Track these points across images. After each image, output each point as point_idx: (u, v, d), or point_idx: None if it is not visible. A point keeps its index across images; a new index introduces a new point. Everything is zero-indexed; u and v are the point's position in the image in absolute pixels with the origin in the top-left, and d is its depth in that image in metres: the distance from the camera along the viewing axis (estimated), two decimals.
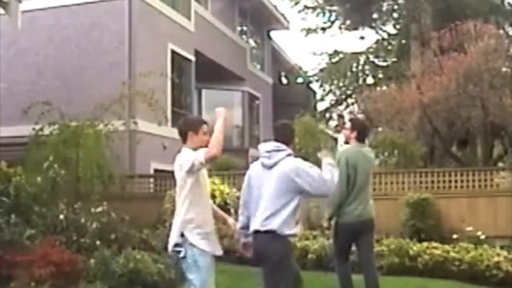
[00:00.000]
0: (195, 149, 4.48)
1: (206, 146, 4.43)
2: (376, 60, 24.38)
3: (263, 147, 4.58)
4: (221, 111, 4.51)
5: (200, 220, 4.49)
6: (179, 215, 4.50)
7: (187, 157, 4.44)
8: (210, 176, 11.01)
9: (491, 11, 20.01)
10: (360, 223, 5.81)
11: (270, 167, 4.46)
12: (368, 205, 5.93)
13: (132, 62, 13.23)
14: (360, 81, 23.96)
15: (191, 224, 4.44)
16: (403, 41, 21.81)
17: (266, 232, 4.36)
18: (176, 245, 4.44)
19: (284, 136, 4.63)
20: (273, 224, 4.34)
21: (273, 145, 4.53)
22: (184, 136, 4.63)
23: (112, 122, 11.02)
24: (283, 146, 4.53)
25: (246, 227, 4.64)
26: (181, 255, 4.42)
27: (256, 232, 4.44)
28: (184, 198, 4.46)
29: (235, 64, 19.23)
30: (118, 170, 11.07)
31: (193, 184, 4.46)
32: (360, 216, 5.80)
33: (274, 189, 4.39)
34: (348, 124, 6.07)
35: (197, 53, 16.03)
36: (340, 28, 23.31)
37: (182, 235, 4.42)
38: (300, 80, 26.68)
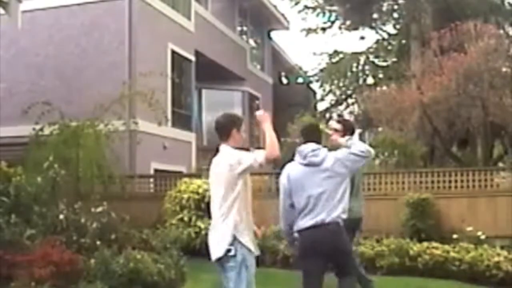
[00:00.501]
0: (235, 147, 4.47)
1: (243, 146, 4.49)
2: (376, 60, 24.41)
3: (307, 147, 4.79)
4: (265, 116, 4.51)
5: (247, 221, 4.49)
6: (227, 217, 4.38)
7: (241, 157, 4.36)
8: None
9: (491, 11, 20.04)
10: (356, 220, 6.02)
11: (319, 164, 4.72)
12: (362, 204, 6.26)
13: (132, 62, 13.23)
14: (360, 81, 23.99)
15: (241, 224, 4.41)
16: (403, 41, 21.84)
17: (334, 224, 4.62)
18: (228, 250, 4.39)
19: (317, 136, 4.95)
20: (339, 216, 4.66)
21: (314, 145, 4.81)
22: (227, 134, 4.51)
23: (112, 122, 11.01)
24: (320, 145, 4.85)
25: (291, 229, 4.86)
26: (232, 253, 4.35)
27: (320, 225, 4.60)
28: (234, 200, 4.38)
29: (235, 64, 19.23)
30: (118, 170, 11.06)
31: (242, 185, 4.42)
32: (357, 213, 6.02)
33: (333, 181, 4.68)
34: (338, 126, 6.06)
35: (197, 53, 16.03)
36: (340, 28, 23.35)
37: (234, 237, 4.38)
38: (300, 80, 26.69)
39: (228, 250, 4.35)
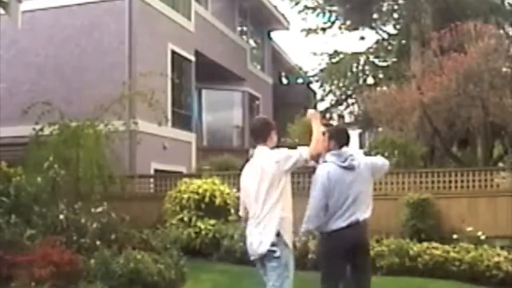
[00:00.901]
0: (272, 148, 4.63)
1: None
2: (376, 60, 24.35)
3: (347, 151, 5.11)
4: (315, 114, 4.87)
5: (291, 218, 4.58)
6: (273, 213, 4.45)
7: (287, 154, 4.53)
8: (210, 176, 11.13)
9: (491, 11, 20.01)
10: None
11: (356, 168, 5.05)
12: None
13: (132, 62, 13.23)
14: (360, 81, 23.92)
15: (285, 222, 4.49)
16: (403, 41, 21.80)
17: (364, 224, 5.01)
18: (272, 244, 4.43)
19: (349, 139, 5.24)
20: (369, 215, 5.05)
21: (350, 149, 5.18)
22: (266, 136, 4.69)
23: (112, 122, 11.00)
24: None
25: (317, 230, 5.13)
26: (276, 254, 4.40)
27: (354, 225, 4.92)
28: (278, 197, 4.47)
29: (235, 64, 19.23)
30: (118, 170, 11.05)
31: (286, 182, 4.55)
32: None
33: (368, 184, 5.09)
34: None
35: (197, 53, 16.03)
36: (340, 28, 23.31)
37: (278, 234, 4.43)
38: (300, 80, 26.68)
39: (273, 251, 4.40)
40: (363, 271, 5.04)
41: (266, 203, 4.46)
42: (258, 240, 4.46)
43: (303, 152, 4.51)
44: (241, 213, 4.81)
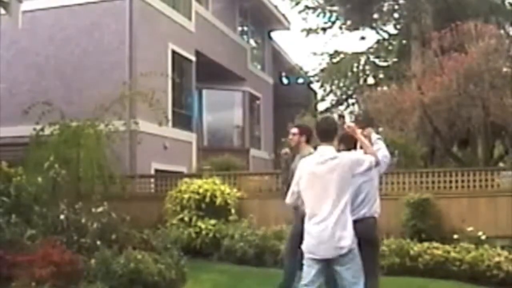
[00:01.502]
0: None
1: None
2: (376, 60, 24.38)
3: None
4: (354, 128, 5.14)
5: None
6: (346, 217, 4.68)
7: (359, 158, 4.84)
8: (211, 176, 11.13)
9: (492, 11, 20.04)
10: None
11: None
12: None
13: (133, 62, 13.22)
14: (361, 81, 23.95)
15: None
16: (404, 41, 21.83)
17: (372, 218, 5.37)
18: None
19: (356, 143, 5.41)
20: (375, 212, 5.42)
21: (358, 152, 5.32)
22: (333, 135, 4.91)
23: (113, 122, 10.98)
24: None
25: None
26: (353, 246, 4.69)
27: (361, 220, 5.19)
28: (347, 200, 4.70)
29: (236, 64, 19.23)
30: (118, 170, 11.03)
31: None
32: None
33: (372, 183, 5.42)
34: (295, 130, 6.63)
35: (197, 53, 16.03)
36: (340, 28, 23.35)
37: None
38: (300, 80, 26.67)
39: (351, 246, 4.69)
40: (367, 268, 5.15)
41: (336, 205, 4.64)
42: (334, 241, 4.62)
43: (372, 159, 4.83)
44: (288, 200, 5.00)
